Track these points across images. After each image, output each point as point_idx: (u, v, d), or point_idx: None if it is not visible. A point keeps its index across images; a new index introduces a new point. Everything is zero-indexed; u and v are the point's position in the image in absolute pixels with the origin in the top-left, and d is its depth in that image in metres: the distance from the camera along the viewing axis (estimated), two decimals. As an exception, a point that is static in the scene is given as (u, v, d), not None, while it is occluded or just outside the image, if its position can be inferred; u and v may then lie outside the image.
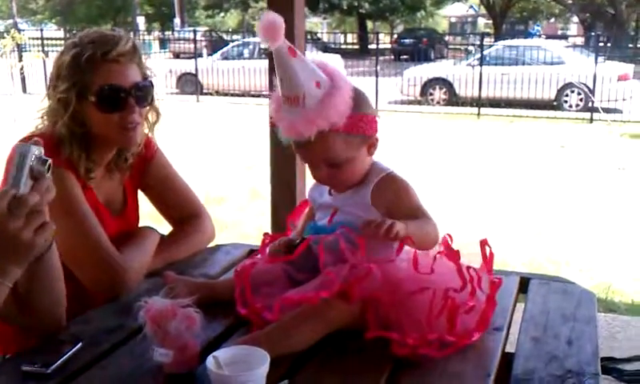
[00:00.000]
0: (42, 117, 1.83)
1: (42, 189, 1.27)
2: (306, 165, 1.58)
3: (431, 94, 15.22)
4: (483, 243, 1.53)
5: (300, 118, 1.43)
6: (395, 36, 29.90)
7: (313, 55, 1.61)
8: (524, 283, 1.87)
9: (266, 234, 1.73)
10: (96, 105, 1.75)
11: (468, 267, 1.45)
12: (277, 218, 3.08)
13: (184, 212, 2.11)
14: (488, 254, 1.55)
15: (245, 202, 6.82)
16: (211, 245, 2.18)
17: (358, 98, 1.49)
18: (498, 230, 5.81)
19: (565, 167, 8.64)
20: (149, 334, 1.31)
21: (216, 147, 9.76)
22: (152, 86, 1.88)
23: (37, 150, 1.28)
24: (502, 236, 5.63)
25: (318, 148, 1.47)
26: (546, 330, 1.57)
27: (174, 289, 1.66)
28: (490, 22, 37.83)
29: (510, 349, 1.51)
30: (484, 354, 1.45)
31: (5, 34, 15.07)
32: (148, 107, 1.87)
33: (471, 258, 1.54)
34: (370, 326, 1.41)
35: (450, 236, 1.54)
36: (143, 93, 1.81)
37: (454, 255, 1.49)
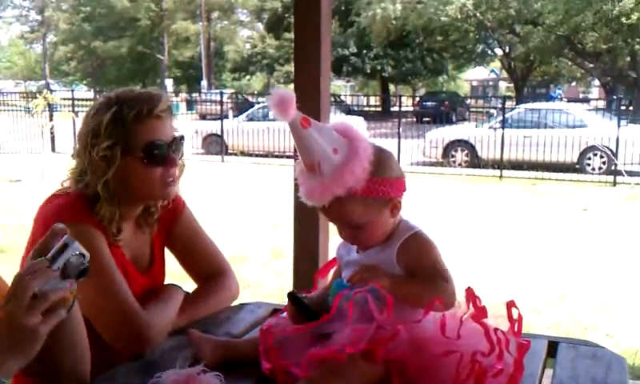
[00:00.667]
0: (70, 177, 1.85)
1: (67, 290, 1.25)
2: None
3: (453, 156, 15.27)
4: (510, 305, 1.51)
5: (317, 184, 1.46)
6: (417, 99, 30.24)
7: (336, 117, 1.64)
8: (552, 347, 1.84)
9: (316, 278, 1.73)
10: (142, 160, 1.78)
11: (495, 329, 1.43)
12: (298, 275, 3.08)
13: (209, 269, 2.11)
14: (516, 316, 1.52)
15: (267, 260, 6.82)
16: (235, 303, 2.18)
17: (379, 160, 1.49)
18: (522, 294, 5.72)
19: (588, 231, 8.54)
20: None
21: (241, 207, 9.83)
22: (183, 140, 1.91)
23: (79, 249, 1.28)
24: (526, 299, 5.55)
25: (337, 212, 1.49)
26: (575, 396, 1.54)
27: (198, 347, 1.68)
28: (511, 85, 38.11)
29: (538, 414, 1.48)
30: (512, 419, 1.42)
31: (37, 95, 15.50)
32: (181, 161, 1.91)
33: (497, 320, 1.52)
34: (395, 385, 1.39)
35: (478, 298, 1.52)
36: (178, 147, 1.86)
37: (481, 315, 1.47)
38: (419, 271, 1.49)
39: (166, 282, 2.08)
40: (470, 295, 1.50)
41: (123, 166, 1.77)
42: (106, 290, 1.74)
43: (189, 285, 2.11)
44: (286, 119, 1.43)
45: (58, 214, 1.74)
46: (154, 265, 2.04)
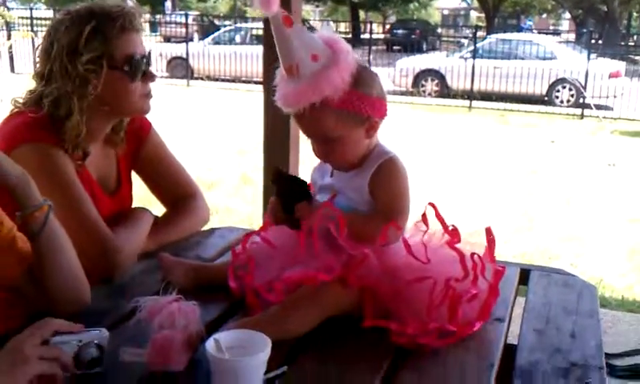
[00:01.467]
0: (29, 97, 1.77)
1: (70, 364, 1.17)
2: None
3: (423, 86, 15.21)
4: (489, 231, 1.50)
5: (292, 88, 1.42)
6: (388, 26, 29.85)
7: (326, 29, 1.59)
8: (524, 275, 1.85)
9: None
10: (126, 74, 1.74)
11: (472, 254, 1.42)
12: (267, 202, 3.04)
13: (178, 193, 2.07)
14: (492, 240, 1.51)
15: (236, 187, 6.77)
16: (205, 228, 2.14)
17: (362, 76, 1.46)
18: (489, 223, 5.79)
19: (555, 162, 8.65)
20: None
21: (207, 132, 9.70)
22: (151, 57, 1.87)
23: (99, 340, 1.22)
24: (493, 228, 5.62)
25: (310, 121, 1.45)
26: (548, 323, 1.55)
27: (170, 271, 1.64)
28: (483, 15, 37.84)
29: (511, 340, 1.49)
30: (486, 345, 1.43)
31: (-7, 12, 14.90)
32: None
33: (473, 247, 1.51)
34: (367, 315, 1.38)
35: (454, 227, 1.51)
36: (150, 63, 1.83)
37: (455, 240, 1.46)
38: (379, 199, 1.48)
39: (134, 206, 2.04)
40: (438, 216, 1.49)
41: (107, 79, 1.72)
42: (73, 213, 1.68)
43: (157, 209, 2.07)
44: (268, 12, 1.38)
45: (21, 132, 1.69)
46: (122, 187, 2.00)
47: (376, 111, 1.48)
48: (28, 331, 1.15)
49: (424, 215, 1.48)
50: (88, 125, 1.75)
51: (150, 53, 1.82)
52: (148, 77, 1.80)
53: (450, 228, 1.49)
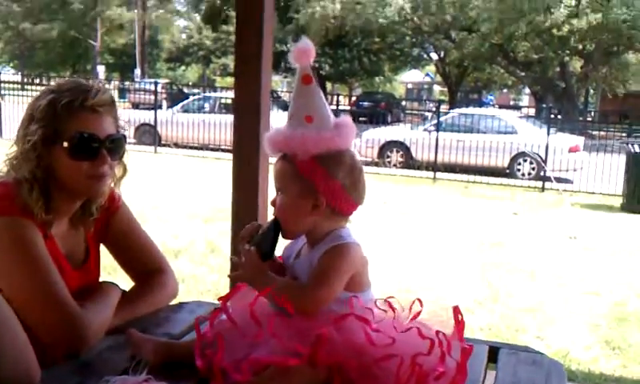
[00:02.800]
0: (8, 162, 1.78)
1: None
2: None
3: (388, 157, 15.47)
4: (456, 310, 1.50)
5: (272, 135, 1.53)
6: (354, 98, 30.44)
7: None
8: (493, 352, 1.86)
9: (221, 298, 1.61)
10: (68, 151, 1.72)
11: (437, 332, 1.42)
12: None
13: (147, 267, 2.06)
14: (460, 320, 1.52)
15: (202, 255, 6.71)
16: (173, 302, 2.12)
17: (336, 157, 1.48)
18: (454, 294, 5.83)
19: (518, 234, 8.79)
20: None
21: (174, 199, 9.65)
22: (125, 140, 1.86)
23: None
24: (458, 300, 5.64)
25: (275, 166, 1.53)
26: (517, 402, 1.56)
27: (139, 348, 1.61)
28: (445, 89, 38.92)
29: (481, 421, 1.49)
30: (457, 426, 1.42)
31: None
32: (117, 160, 1.84)
33: (442, 325, 1.52)
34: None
35: (419, 300, 1.53)
36: (116, 145, 1.80)
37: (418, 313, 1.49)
38: (312, 272, 1.48)
39: (101, 280, 2.01)
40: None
41: (50, 154, 1.72)
42: (40, 286, 1.66)
43: (123, 281, 2.04)
44: (302, 64, 1.48)
45: None
46: (89, 260, 1.98)
47: (329, 195, 1.47)
48: None
49: (387, 299, 1.50)
50: (52, 200, 1.75)
51: (111, 136, 1.77)
52: (97, 159, 1.75)
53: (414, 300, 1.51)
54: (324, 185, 1.47)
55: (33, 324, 1.63)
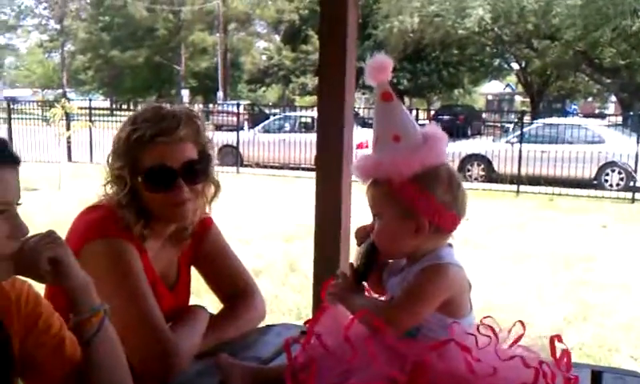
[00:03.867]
0: (105, 186, 1.86)
1: None
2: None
3: (469, 170, 15.19)
4: (553, 340, 1.43)
5: (362, 158, 1.48)
6: (433, 112, 30.13)
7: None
8: (595, 377, 1.79)
9: (308, 322, 1.65)
10: (144, 184, 1.79)
11: (541, 361, 1.36)
12: (319, 291, 3.03)
13: (236, 289, 2.09)
14: (561, 351, 1.43)
15: (284, 275, 6.78)
16: (261, 324, 2.15)
17: (433, 175, 1.42)
18: (544, 313, 5.65)
19: (608, 248, 8.44)
20: None
21: (255, 219, 9.81)
22: (208, 162, 1.90)
23: None
24: (548, 318, 5.48)
25: (369, 193, 1.48)
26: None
27: (228, 374, 1.64)
28: (527, 100, 37.93)
29: None
30: None
31: (55, 103, 15.62)
32: (201, 184, 1.88)
33: (542, 350, 1.46)
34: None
35: (522, 323, 1.46)
36: (195, 170, 1.83)
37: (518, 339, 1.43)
38: (402, 289, 1.44)
39: (191, 304, 2.06)
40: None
41: (134, 184, 1.79)
42: (138, 310, 1.72)
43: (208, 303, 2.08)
44: (380, 81, 1.45)
45: (93, 229, 1.77)
46: (180, 282, 2.03)
47: (430, 214, 1.42)
48: None
49: (484, 320, 1.45)
50: (146, 223, 1.82)
51: (189, 162, 1.80)
52: (173, 188, 1.78)
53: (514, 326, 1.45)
54: (424, 205, 1.41)
55: (127, 346, 1.68)
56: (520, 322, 1.46)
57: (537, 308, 5.82)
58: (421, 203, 1.41)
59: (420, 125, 1.51)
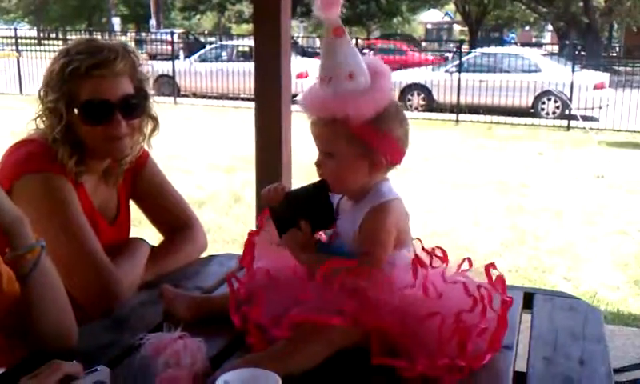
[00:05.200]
0: (36, 120, 1.79)
1: None
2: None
3: (409, 100, 15.26)
4: (488, 268, 1.46)
5: (319, 96, 1.43)
6: (373, 41, 29.97)
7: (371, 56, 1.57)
8: (527, 298, 1.83)
9: (251, 232, 1.63)
10: (81, 117, 1.73)
11: (479, 285, 1.40)
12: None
13: (176, 221, 2.06)
14: (496, 277, 1.47)
15: (227, 205, 6.73)
16: (203, 255, 2.12)
17: (388, 113, 1.44)
18: (482, 238, 5.80)
19: (544, 175, 8.69)
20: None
21: (195, 150, 9.66)
22: (145, 98, 1.84)
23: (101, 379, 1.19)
24: (486, 243, 5.63)
25: (321, 130, 1.45)
26: (556, 349, 1.54)
27: (172, 304, 1.61)
28: (466, 29, 38.19)
29: (519, 367, 1.47)
30: (495, 375, 1.41)
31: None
32: (138, 119, 1.83)
33: (477, 276, 1.49)
34: (375, 353, 1.35)
35: (469, 260, 1.50)
36: (134, 105, 1.79)
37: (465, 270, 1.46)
38: (360, 237, 1.45)
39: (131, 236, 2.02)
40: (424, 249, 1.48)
41: (69, 117, 1.73)
42: (76, 243, 1.68)
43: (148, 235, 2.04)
44: (331, 15, 1.41)
45: (26, 161, 1.71)
46: (120, 217, 2.00)
47: (387, 152, 1.45)
48: (41, 376, 1.13)
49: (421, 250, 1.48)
50: (81, 157, 1.76)
51: (126, 97, 1.75)
52: (111, 122, 1.74)
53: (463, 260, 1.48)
54: (382, 144, 1.43)
55: (66, 280, 1.63)
56: (468, 259, 1.50)
57: (475, 233, 5.97)
58: (380, 143, 1.43)
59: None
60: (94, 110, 1.72)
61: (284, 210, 1.49)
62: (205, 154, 9.42)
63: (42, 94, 1.77)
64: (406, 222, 1.50)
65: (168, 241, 2.04)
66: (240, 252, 2.01)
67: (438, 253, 1.53)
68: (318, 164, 1.49)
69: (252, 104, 2.91)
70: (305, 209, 1.48)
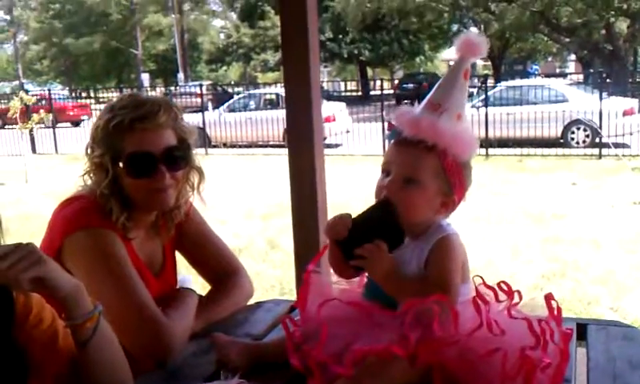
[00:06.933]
0: (84, 176, 1.83)
1: None
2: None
3: (437, 137, 15.23)
4: (548, 298, 1.45)
5: (425, 119, 1.45)
6: (396, 81, 30.18)
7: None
8: (581, 329, 1.80)
9: (308, 270, 1.58)
10: (125, 170, 1.76)
11: (539, 320, 1.38)
12: (300, 266, 3.00)
13: (222, 269, 2.08)
14: (555, 307, 1.45)
15: (263, 252, 6.75)
16: (250, 302, 2.13)
17: (469, 164, 1.51)
18: (521, 271, 5.73)
19: (579, 204, 8.57)
20: None
21: (229, 199, 9.73)
22: (188, 149, 1.87)
23: None
24: (526, 276, 5.55)
25: (412, 153, 1.45)
26: (615, 380, 1.51)
27: (225, 352, 1.62)
28: (489, 63, 38.22)
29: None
30: (558, 409, 1.38)
31: (13, 96, 15.25)
32: (182, 170, 1.85)
33: (534, 311, 1.47)
34: (438, 389, 1.34)
35: (519, 293, 1.47)
36: (175, 157, 1.81)
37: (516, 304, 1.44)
38: (430, 274, 1.45)
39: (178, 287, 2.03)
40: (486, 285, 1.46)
41: (115, 172, 1.76)
42: (128, 298, 1.70)
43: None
44: (468, 58, 1.49)
45: (76, 220, 1.74)
46: (166, 268, 2.01)
47: (460, 194, 1.49)
48: None
49: (482, 285, 1.45)
50: (128, 211, 1.79)
51: (169, 148, 1.78)
52: (155, 174, 1.76)
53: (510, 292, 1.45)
54: (460, 187, 1.48)
55: (120, 334, 1.66)
56: (518, 291, 1.47)
57: (514, 267, 5.90)
58: (459, 185, 1.48)
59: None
60: (138, 162, 1.75)
61: (352, 235, 1.45)
62: (238, 202, 9.49)
63: (88, 150, 1.81)
64: (466, 256, 1.51)
65: (215, 289, 2.05)
66: (280, 297, 2.03)
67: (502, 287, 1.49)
68: (391, 187, 1.46)
69: (281, 150, 2.95)
70: (375, 230, 1.44)
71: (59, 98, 23.73)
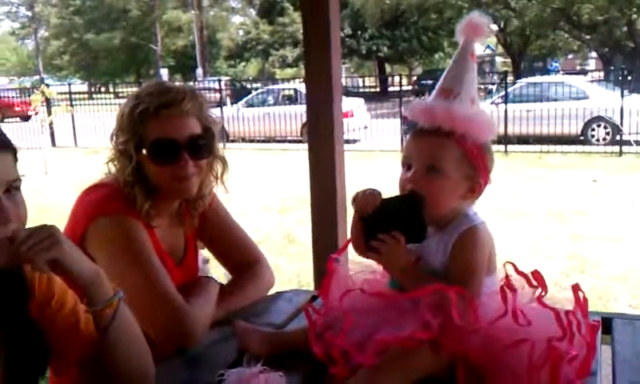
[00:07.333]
0: (108, 163, 1.83)
1: None
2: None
3: (455, 134, 15.16)
4: (576, 288, 1.42)
5: (439, 106, 1.43)
6: (415, 78, 30.06)
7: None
8: (606, 323, 1.78)
9: (331, 258, 1.56)
10: (149, 157, 1.75)
11: (567, 312, 1.35)
12: (318, 260, 2.99)
13: (243, 259, 2.08)
14: (582, 298, 1.43)
15: (281, 246, 6.76)
16: (270, 292, 2.13)
17: (491, 149, 1.49)
18: (541, 267, 5.66)
19: (600, 201, 8.48)
20: None
21: (248, 193, 9.75)
22: (212, 138, 1.86)
23: None
24: (546, 272, 5.49)
25: (432, 142, 1.43)
26: (643, 373, 1.48)
27: (246, 340, 1.62)
28: (508, 60, 37.99)
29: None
30: (584, 402, 1.36)
31: (33, 90, 15.40)
32: (206, 159, 1.85)
33: (560, 303, 1.44)
34: (461, 381, 1.33)
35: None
36: (199, 145, 1.80)
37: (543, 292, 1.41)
38: (452, 266, 1.43)
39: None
40: (518, 272, 1.44)
41: (139, 159, 1.76)
42: (151, 284, 1.70)
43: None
44: (474, 39, 1.46)
45: (100, 207, 1.74)
46: (188, 256, 2.02)
47: (484, 179, 1.47)
48: None
49: (507, 276, 1.43)
50: (152, 199, 1.79)
51: (193, 137, 1.77)
52: (178, 161, 1.76)
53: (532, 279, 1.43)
54: (484, 168, 1.46)
55: (142, 321, 1.65)
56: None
57: (534, 263, 5.82)
58: (483, 169, 1.45)
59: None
60: (162, 149, 1.75)
61: (376, 217, 1.45)
62: (257, 195, 9.51)
63: (113, 137, 1.81)
64: (494, 246, 1.49)
65: (237, 278, 2.05)
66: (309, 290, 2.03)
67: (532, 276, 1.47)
68: (414, 178, 1.44)
69: (299, 146, 2.94)
70: (398, 220, 1.44)
71: (2, 96, 23.75)
